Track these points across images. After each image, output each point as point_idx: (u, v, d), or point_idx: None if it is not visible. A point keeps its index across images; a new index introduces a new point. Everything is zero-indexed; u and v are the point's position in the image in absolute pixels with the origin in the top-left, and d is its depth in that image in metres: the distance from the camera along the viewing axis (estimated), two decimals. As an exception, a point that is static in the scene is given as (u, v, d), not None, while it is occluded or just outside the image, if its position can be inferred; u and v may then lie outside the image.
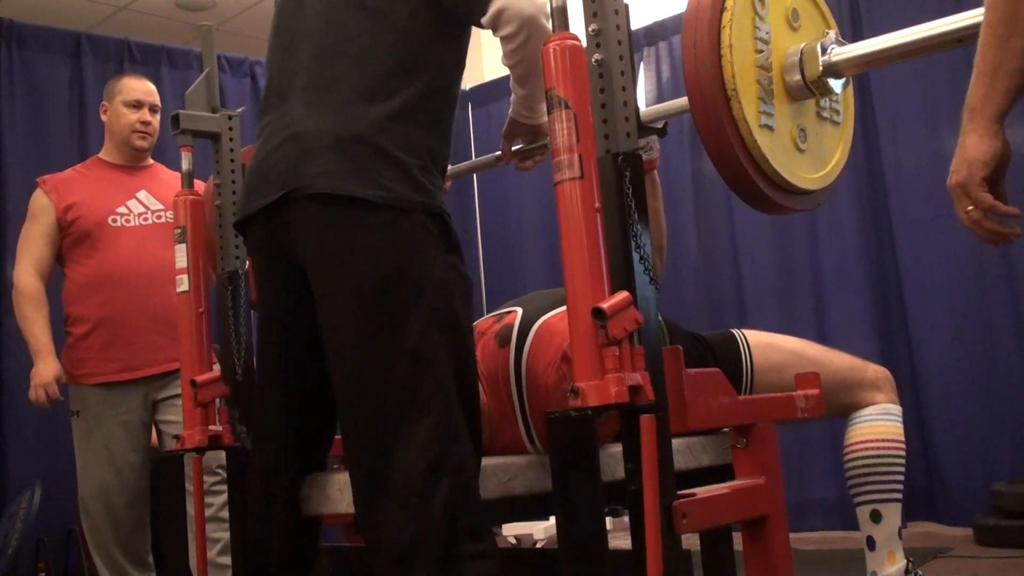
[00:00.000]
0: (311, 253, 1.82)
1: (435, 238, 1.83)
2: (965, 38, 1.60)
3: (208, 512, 3.03)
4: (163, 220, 3.21)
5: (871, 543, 2.30)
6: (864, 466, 2.29)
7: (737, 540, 1.89)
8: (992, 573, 3.19)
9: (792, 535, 1.80)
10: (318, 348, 1.83)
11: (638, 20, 3.70)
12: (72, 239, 3.17)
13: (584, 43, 1.57)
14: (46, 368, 3.06)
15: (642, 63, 4.90)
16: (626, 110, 1.56)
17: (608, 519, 2.11)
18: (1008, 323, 3.90)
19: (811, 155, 1.75)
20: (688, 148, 4.74)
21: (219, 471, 3.02)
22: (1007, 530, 3.62)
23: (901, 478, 2.30)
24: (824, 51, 1.69)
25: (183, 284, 2.38)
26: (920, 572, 2.34)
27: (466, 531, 1.70)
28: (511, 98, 2.14)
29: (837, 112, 1.84)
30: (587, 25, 1.58)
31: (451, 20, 1.91)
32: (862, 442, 2.31)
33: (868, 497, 2.28)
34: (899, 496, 2.29)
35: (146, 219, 3.20)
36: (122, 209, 3.20)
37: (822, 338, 4.14)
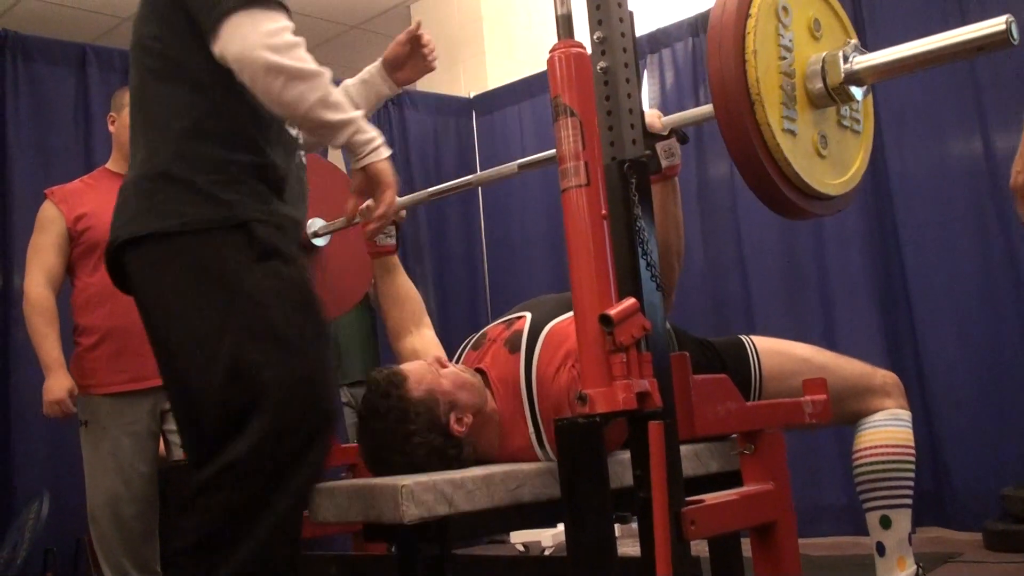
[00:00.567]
0: (137, 298, 1.91)
1: (241, 251, 1.82)
2: (985, 46, 1.60)
3: None
4: None
5: (881, 549, 2.29)
6: (874, 472, 2.28)
7: (746, 546, 1.88)
8: (1002, 578, 3.18)
9: (801, 540, 1.80)
10: None
11: (641, 27, 3.70)
12: (82, 250, 3.16)
13: (589, 51, 1.57)
14: (57, 383, 3.05)
15: (645, 70, 4.91)
16: (632, 117, 1.56)
17: (616, 526, 2.10)
18: (1016, 327, 3.90)
19: (832, 161, 1.76)
20: (694, 154, 4.74)
21: None
22: (1017, 535, 3.61)
23: (911, 484, 2.29)
24: (846, 59, 1.71)
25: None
26: (929, 578, 2.33)
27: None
28: None
29: (857, 121, 1.85)
30: (592, 33, 1.58)
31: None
32: (872, 448, 2.30)
33: (878, 503, 2.28)
34: (909, 502, 2.29)
35: None
36: None
37: (829, 343, 4.13)
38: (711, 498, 1.58)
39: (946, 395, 4.01)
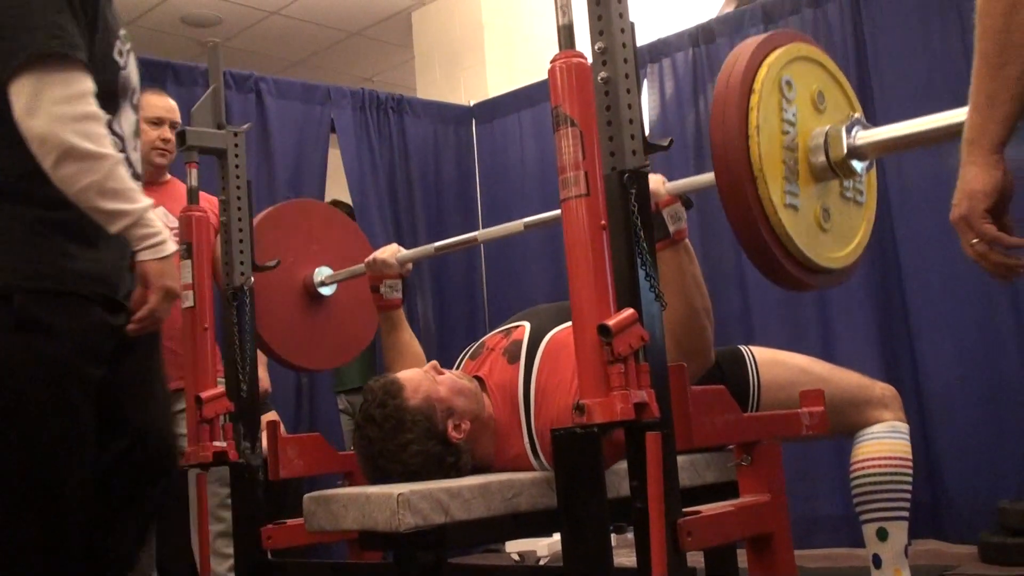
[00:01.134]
0: None
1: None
2: None
3: (220, 528, 3.02)
4: (179, 239, 3.20)
5: (877, 561, 2.29)
6: (871, 483, 2.28)
7: (742, 557, 1.88)
8: (998, 591, 3.17)
9: (797, 552, 1.80)
10: None
11: (642, 37, 3.70)
12: None
13: (590, 61, 1.57)
14: None
15: (645, 80, 4.92)
16: (632, 127, 1.56)
17: (612, 536, 2.10)
18: (1013, 339, 3.89)
19: (834, 234, 1.77)
20: (692, 164, 4.74)
21: None
22: (1013, 548, 3.60)
23: (908, 496, 2.29)
24: (848, 134, 1.71)
25: (188, 300, 2.39)
26: (925, 590, 2.33)
27: None
28: None
29: (860, 192, 1.86)
30: (593, 43, 1.59)
31: None
32: (869, 459, 2.30)
33: (875, 515, 2.28)
34: (906, 514, 2.29)
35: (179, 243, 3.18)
36: None
37: (827, 354, 4.12)
38: (708, 509, 1.58)
39: (943, 407, 4.01)
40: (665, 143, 1.63)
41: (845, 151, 1.71)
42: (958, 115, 1.64)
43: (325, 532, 2.00)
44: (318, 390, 4.76)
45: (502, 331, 2.33)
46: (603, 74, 1.57)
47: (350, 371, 4.77)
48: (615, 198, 1.53)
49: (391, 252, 2.62)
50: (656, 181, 1.94)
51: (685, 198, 1.97)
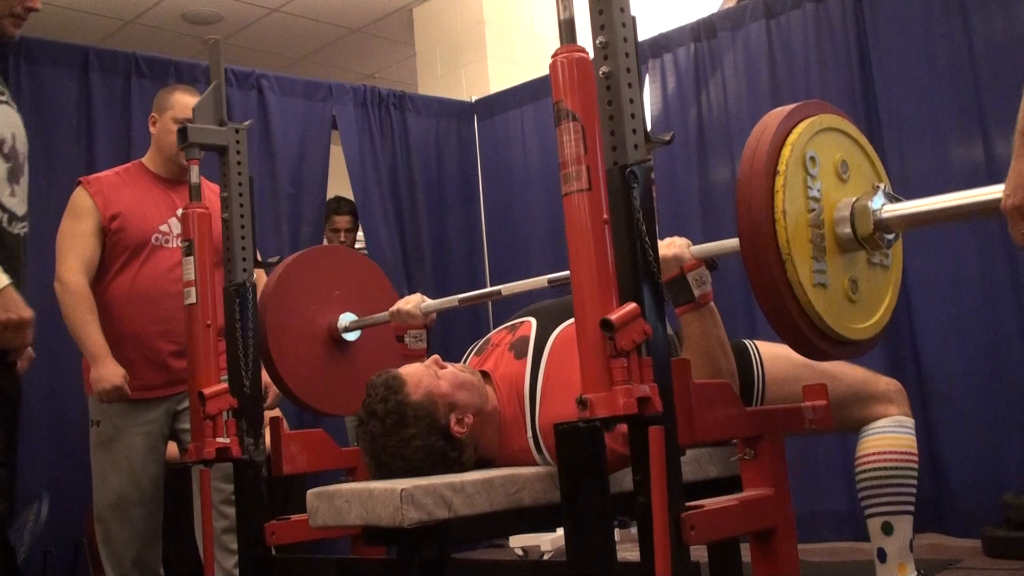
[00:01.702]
0: None
1: None
2: None
3: (225, 524, 3.02)
4: (181, 236, 3.19)
5: (882, 555, 2.29)
6: (877, 478, 2.28)
7: (745, 552, 1.88)
8: (1002, 585, 3.17)
9: (801, 546, 1.80)
10: None
11: (643, 32, 3.68)
12: (113, 250, 3.10)
13: (591, 55, 1.57)
14: (110, 371, 2.97)
15: (647, 75, 4.91)
16: (634, 122, 1.56)
17: (616, 531, 2.10)
18: (1016, 332, 3.89)
19: (862, 304, 1.77)
20: (695, 159, 4.74)
21: None
22: (1017, 541, 3.60)
23: (913, 491, 2.29)
24: (875, 208, 1.71)
25: (191, 296, 2.39)
26: (929, 584, 2.33)
27: None
28: None
29: (886, 256, 1.85)
30: (594, 38, 1.58)
31: None
32: (875, 454, 2.30)
33: (880, 509, 2.28)
34: (911, 508, 2.28)
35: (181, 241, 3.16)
36: (164, 227, 3.14)
37: (829, 349, 4.12)
38: (711, 503, 1.58)
39: (946, 401, 4.00)
40: (667, 138, 1.63)
41: (872, 227, 1.71)
42: (986, 193, 1.65)
43: (329, 528, 2.00)
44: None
45: (507, 327, 2.33)
46: (604, 68, 1.57)
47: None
48: (617, 193, 1.53)
49: (415, 303, 2.62)
50: (681, 245, 1.95)
51: (710, 261, 1.97)
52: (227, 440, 2.30)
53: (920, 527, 3.94)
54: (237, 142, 2.48)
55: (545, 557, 4.38)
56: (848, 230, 1.72)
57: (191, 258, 2.40)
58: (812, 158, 1.69)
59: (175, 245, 3.12)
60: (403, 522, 1.78)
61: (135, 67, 4.43)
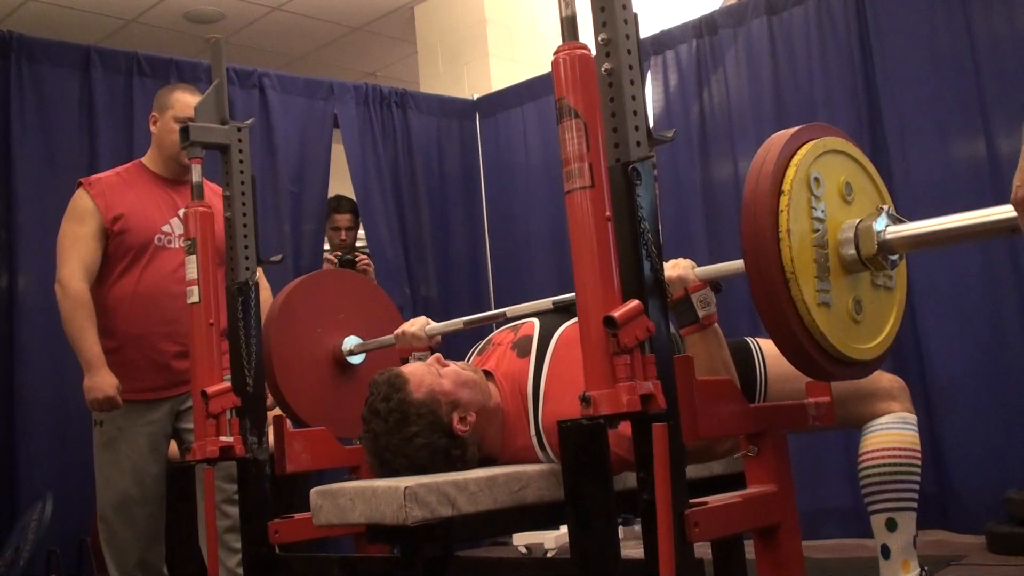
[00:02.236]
0: None
1: None
2: (1018, 228, 1.61)
3: (228, 523, 3.02)
4: (184, 235, 3.18)
5: (886, 551, 2.29)
6: (880, 474, 2.28)
7: (749, 549, 1.88)
8: (1006, 581, 3.17)
9: (805, 543, 1.80)
10: None
11: (645, 29, 3.69)
12: (115, 251, 3.09)
13: (593, 52, 1.57)
14: (103, 380, 2.96)
15: (649, 72, 4.91)
16: (636, 119, 1.56)
17: (620, 528, 2.10)
18: (1019, 328, 3.89)
19: (866, 325, 1.78)
20: (698, 156, 4.74)
21: None
22: (1021, 537, 3.60)
23: (917, 487, 2.29)
24: (879, 230, 1.72)
25: (193, 296, 2.39)
26: (933, 580, 2.33)
27: None
28: None
29: (890, 278, 1.86)
30: (596, 35, 1.58)
31: None
32: (878, 450, 2.30)
33: (883, 505, 2.27)
34: (915, 505, 2.28)
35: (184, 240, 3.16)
36: (166, 228, 3.14)
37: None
38: (715, 500, 1.58)
39: (949, 398, 4.00)
40: (669, 135, 1.62)
41: (876, 248, 1.72)
42: (990, 214, 1.64)
43: (332, 526, 2.01)
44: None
45: (510, 327, 2.33)
46: (607, 66, 1.56)
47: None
48: (620, 190, 1.53)
49: (420, 325, 2.62)
50: (686, 267, 1.95)
51: (715, 283, 1.97)
52: (230, 439, 2.30)
53: (924, 523, 3.94)
54: (239, 141, 2.47)
55: (549, 555, 4.39)
56: (852, 251, 1.73)
57: (193, 257, 2.40)
58: (816, 179, 1.70)
59: (177, 246, 3.12)
60: (407, 520, 1.78)
61: (137, 66, 4.43)
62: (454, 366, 2.17)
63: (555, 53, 1.55)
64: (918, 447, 2.32)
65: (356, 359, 2.84)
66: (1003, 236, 1.65)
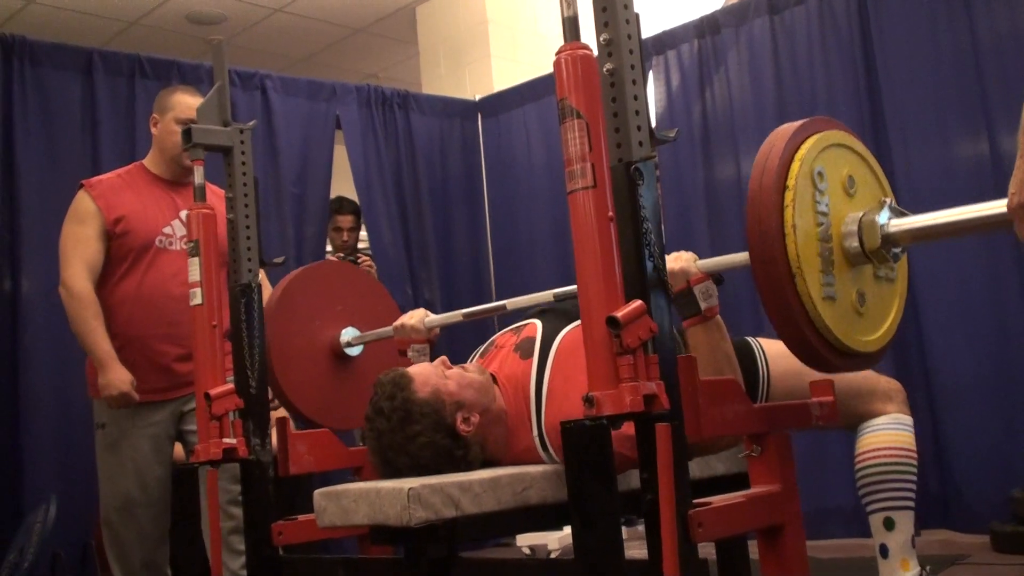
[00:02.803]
0: None
1: None
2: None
3: (232, 524, 3.02)
4: (187, 237, 3.18)
5: (884, 551, 2.29)
6: (877, 474, 2.28)
7: (753, 549, 1.88)
8: (1010, 580, 3.17)
9: (809, 543, 1.80)
10: None
11: (647, 29, 3.70)
12: (117, 253, 3.09)
13: (595, 53, 1.57)
14: (118, 376, 2.96)
15: (651, 72, 4.91)
16: (638, 119, 1.56)
17: (623, 529, 2.10)
18: (1022, 327, 3.88)
19: (869, 317, 1.79)
20: (700, 156, 4.73)
21: None
22: (1025, 537, 3.60)
23: (914, 486, 2.29)
24: (882, 223, 1.73)
25: (196, 297, 2.39)
26: (934, 580, 2.33)
27: None
28: None
29: (892, 269, 1.87)
30: (598, 35, 1.58)
31: None
32: (874, 450, 2.30)
33: (881, 504, 2.28)
34: (912, 504, 2.28)
35: (186, 243, 3.16)
36: (167, 230, 3.14)
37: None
38: (718, 500, 1.58)
39: (953, 397, 3.99)
40: (671, 134, 1.62)
41: (879, 241, 1.72)
42: (991, 208, 1.65)
43: (336, 527, 2.01)
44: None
45: (512, 329, 2.33)
46: (608, 66, 1.56)
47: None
48: (622, 190, 1.53)
49: (418, 318, 2.62)
50: (687, 259, 1.96)
51: (716, 275, 1.97)
52: (234, 441, 2.30)
53: (928, 523, 3.94)
54: (242, 143, 2.48)
55: (552, 556, 4.39)
56: (856, 244, 1.73)
57: (196, 259, 2.40)
58: (820, 173, 1.71)
59: (179, 248, 3.12)
60: (410, 521, 1.78)
61: (139, 68, 4.44)
62: (459, 369, 2.17)
63: (557, 53, 1.55)
64: (914, 447, 2.32)
65: (354, 351, 2.84)
66: (1004, 230, 1.65)
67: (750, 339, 2.41)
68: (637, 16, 1.60)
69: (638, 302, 1.47)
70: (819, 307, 1.63)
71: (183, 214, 3.12)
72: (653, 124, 1.59)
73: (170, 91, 3.30)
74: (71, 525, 3.83)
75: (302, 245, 4.79)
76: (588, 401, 1.43)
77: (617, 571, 1.46)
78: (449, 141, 5.64)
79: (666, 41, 4.90)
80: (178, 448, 3.26)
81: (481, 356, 2.33)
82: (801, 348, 1.67)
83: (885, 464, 2.29)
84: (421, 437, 2.03)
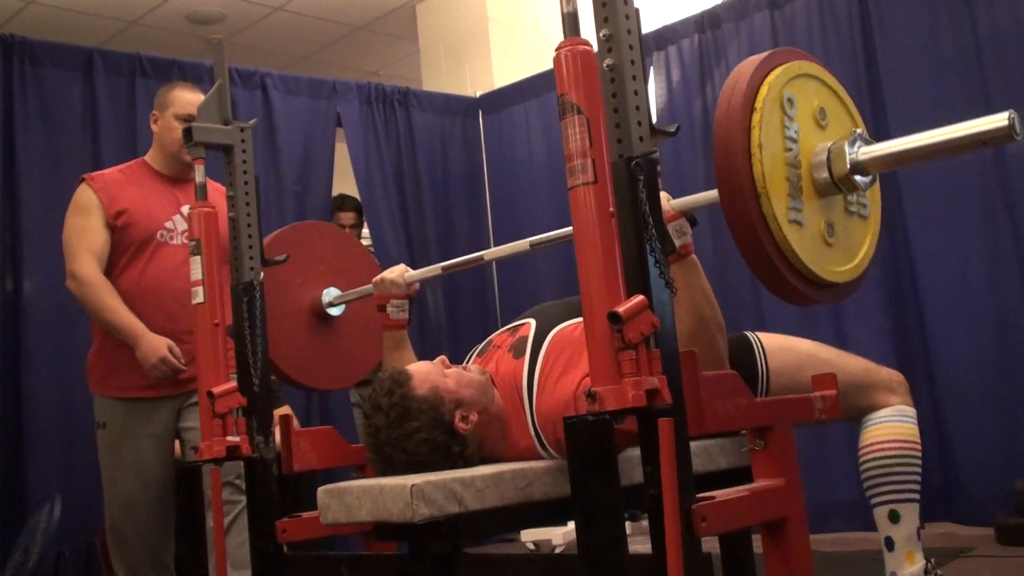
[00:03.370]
0: None
1: None
2: (989, 141, 1.63)
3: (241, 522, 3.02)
4: (189, 235, 3.18)
5: (890, 543, 2.29)
6: (881, 467, 2.28)
7: (757, 543, 1.88)
8: (1016, 572, 3.17)
9: (812, 536, 1.80)
10: None
11: (647, 24, 3.70)
12: (116, 244, 3.09)
13: (595, 48, 1.57)
14: (151, 347, 2.96)
15: (651, 67, 4.91)
16: (639, 114, 1.56)
17: (627, 524, 2.10)
18: (1025, 319, 3.89)
19: (840, 249, 1.78)
20: (701, 152, 4.73)
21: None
22: (1029, 529, 3.60)
23: (918, 478, 2.29)
24: (851, 150, 1.72)
25: (198, 296, 2.39)
26: (940, 572, 2.33)
27: None
28: None
29: (864, 206, 1.86)
30: (598, 30, 1.58)
31: None
32: (878, 443, 2.30)
33: (886, 497, 2.28)
34: (917, 497, 2.28)
35: (187, 237, 3.16)
36: (169, 224, 3.14)
37: (839, 339, 4.12)
38: (722, 494, 1.58)
39: (956, 389, 4.00)
40: (672, 129, 1.62)
41: (848, 167, 1.72)
42: (957, 131, 1.65)
43: (340, 524, 2.01)
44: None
45: (508, 329, 2.33)
46: (609, 61, 1.56)
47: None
48: (623, 185, 1.53)
49: (398, 272, 2.62)
50: (661, 198, 1.95)
51: (690, 216, 1.97)
52: (237, 439, 2.31)
53: (932, 516, 3.94)
54: (242, 141, 2.47)
55: (557, 551, 4.39)
56: (825, 174, 1.73)
57: (198, 258, 2.40)
58: (790, 100, 1.71)
59: (180, 242, 3.12)
60: (414, 517, 1.78)
61: (139, 67, 4.44)
62: (458, 368, 2.17)
63: (557, 49, 1.55)
64: (918, 439, 2.32)
65: (336, 311, 2.85)
66: (970, 150, 1.65)
67: (748, 334, 2.41)
68: (637, 11, 1.60)
69: (640, 297, 1.47)
70: (785, 229, 1.62)
71: (184, 209, 3.12)
72: (654, 119, 1.59)
73: (169, 87, 3.30)
74: (75, 524, 3.84)
75: (304, 243, 4.79)
76: (591, 396, 1.43)
77: (621, 566, 1.46)
78: (450, 138, 5.65)
79: (667, 36, 4.90)
80: (176, 446, 3.27)
81: (479, 355, 2.33)
82: (767, 272, 1.65)
83: (889, 457, 2.29)
84: (419, 434, 2.03)
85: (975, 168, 3.99)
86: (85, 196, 3.11)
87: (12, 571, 3.67)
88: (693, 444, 1.64)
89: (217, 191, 3.05)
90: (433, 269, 2.64)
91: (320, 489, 2.03)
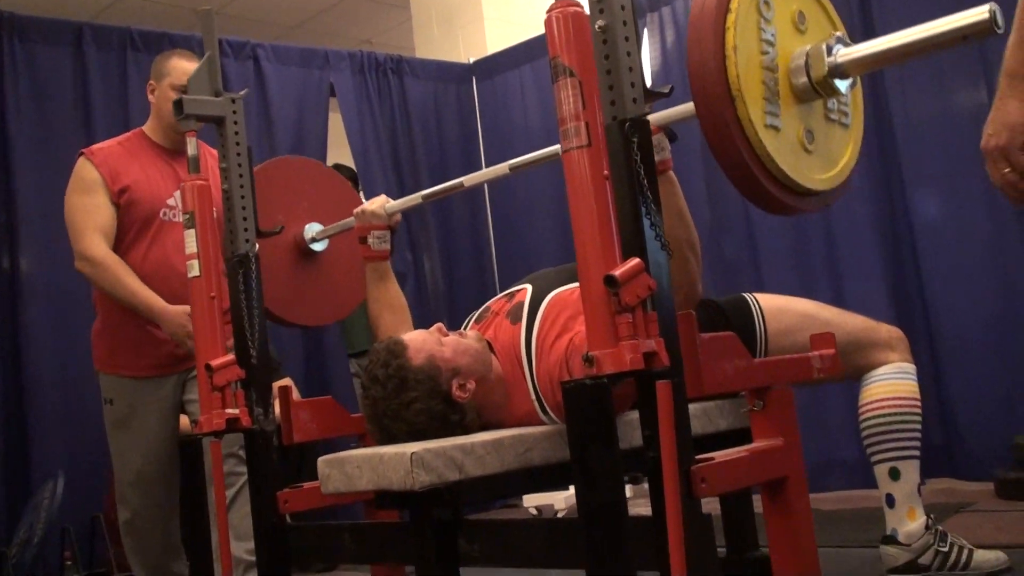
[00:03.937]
0: None
1: None
2: (971, 35, 1.58)
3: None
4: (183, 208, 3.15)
5: (890, 500, 2.30)
6: (881, 424, 2.29)
7: (757, 503, 1.89)
8: (1015, 526, 3.18)
9: (812, 495, 1.80)
10: None
11: (640, -14, 3.71)
12: (119, 223, 3.05)
13: (587, 10, 1.55)
14: (171, 319, 2.94)
15: (646, 29, 4.87)
16: (632, 76, 1.54)
17: (627, 487, 2.11)
18: (1023, 273, 3.88)
19: (819, 156, 1.74)
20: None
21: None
22: (1029, 483, 3.62)
23: (919, 435, 2.30)
24: (829, 52, 1.68)
25: (194, 269, 2.39)
26: (940, 527, 2.34)
27: None
28: None
29: (845, 114, 1.83)
30: (589, -9, 1.56)
31: None
32: (878, 400, 2.31)
33: (886, 455, 2.28)
34: (917, 453, 2.29)
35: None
36: (171, 201, 3.10)
37: (837, 297, 4.12)
38: (721, 455, 1.58)
39: (954, 346, 4.00)
40: (666, 90, 1.61)
41: (826, 70, 1.68)
42: (937, 27, 1.60)
43: (341, 494, 2.01)
44: (329, 354, 4.78)
45: (505, 295, 2.33)
46: (600, 22, 1.55)
47: (358, 334, 4.77)
48: (617, 147, 1.52)
49: (379, 203, 2.61)
50: None
51: (669, 131, 1.94)
52: (236, 411, 2.31)
53: (931, 472, 3.96)
54: (234, 112, 2.46)
55: (559, 515, 4.41)
56: (804, 79, 1.69)
57: (192, 231, 2.39)
58: (766, 2, 1.67)
59: (181, 220, 3.10)
60: (414, 485, 1.79)
61: (130, 41, 4.42)
62: (455, 336, 2.17)
63: (548, 11, 1.53)
64: (918, 396, 2.32)
65: (319, 246, 2.84)
66: (952, 46, 1.61)
67: (746, 295, 2.41)
68: (628, -29, 1.58)
69: (636, 260, 1.46)
70: (761, 134, 1.58)
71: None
72: (648, 82, 1.58)
73: (166, 56, 3.24)
74: (79, 500, 3.86)
75: (300, 214, 4.78)
76: (588, 360, 1.43)
77: (621, 529, 1.46)
78: (444, 105, 5.62)
79: (660, -3, 4.86)
80: (184, 419, 3.27)
81: (476, 322, 2.33)
82: (742, 177, 1.62)
83: (889, 414, 2.30)
84: (416, 404, 2.03)
85: (972, 123, 3.96)
86: (86, 172, 3.05)
87: (17, 547, 3.69)
88: (692, 406, 1.65)
89: (214, 157, 3.02)
90: (414, 198, 2.63)
91: (320, 459, 2.03)
